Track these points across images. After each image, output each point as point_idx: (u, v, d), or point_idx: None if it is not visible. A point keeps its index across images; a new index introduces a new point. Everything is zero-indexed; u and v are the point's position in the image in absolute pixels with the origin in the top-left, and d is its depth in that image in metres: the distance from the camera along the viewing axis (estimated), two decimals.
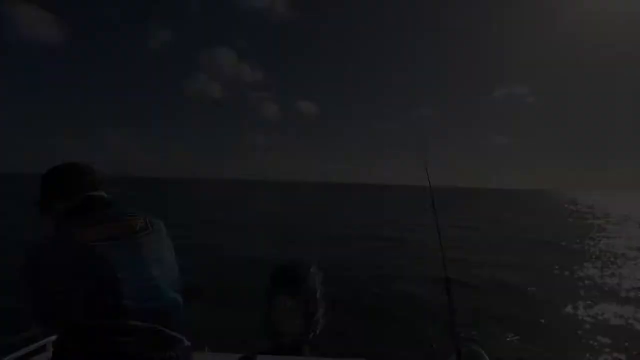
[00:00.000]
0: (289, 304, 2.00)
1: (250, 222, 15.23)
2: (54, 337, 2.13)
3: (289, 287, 2.05)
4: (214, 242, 11.08)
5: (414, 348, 4.45)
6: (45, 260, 0.97)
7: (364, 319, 5.38)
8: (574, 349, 4.76)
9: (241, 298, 6.13)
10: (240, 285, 6.83)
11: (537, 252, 11.28)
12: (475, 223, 18.21)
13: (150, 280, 1.01)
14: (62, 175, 1.17)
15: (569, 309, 6.14)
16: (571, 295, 6.95)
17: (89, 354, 0.90)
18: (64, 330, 0.96)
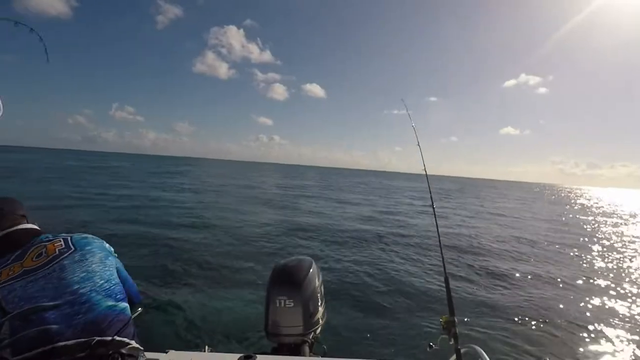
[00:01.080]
0: (289, 304, 2.00)
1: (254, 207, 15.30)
2: None
3: (289, 287, 2.05)
4: (214, 240, 11.09)
5: (413, 348, 4.46)
6: None
7: (363, 319, 5.39)
8: (575, 349, 4.78)
9: (241, 298, 6.14)
10: (240, 285, 6.84)
11: (541, 247, 11.30)
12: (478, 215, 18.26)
13: (79, 297, 1.04)
14: None
15: (572, 308, 6.16)
16: (574, 293, 6.97)
17: None
18: None
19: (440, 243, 2.16)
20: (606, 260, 10.30)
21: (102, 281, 1.12)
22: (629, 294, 7.05)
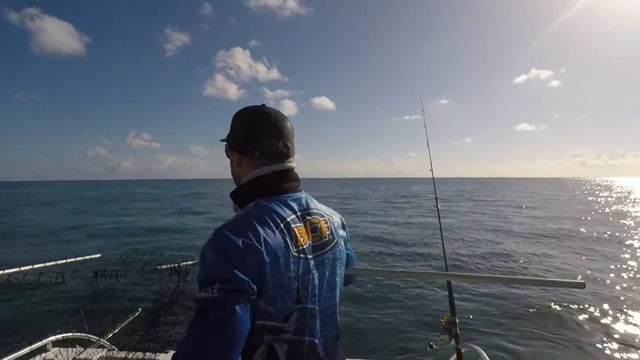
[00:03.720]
0: None
1: None
2: (53, 337, 2.13)
3: None
4: None
5: (414, 348, 4.43)
6: (257, 252, 0.70)
7: (364, 319, 5.36)
8: (575, 350, 4.72)
9: None
10: None
11: (543, 249, 11.18)
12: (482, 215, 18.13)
13: (332, 309, 0.85)
14: (279, 123, 0.88)
15: (572, 308, 6.08)
16: (575, 294, 6.88)
17: None
18: None
19: (443, 243, 2.15)
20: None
21: (340, 291, 0.88)
22: None
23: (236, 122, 0.89)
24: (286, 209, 0.79)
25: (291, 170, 0.88)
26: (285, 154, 0.87)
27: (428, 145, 2.68)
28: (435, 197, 2.43)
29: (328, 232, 0.86)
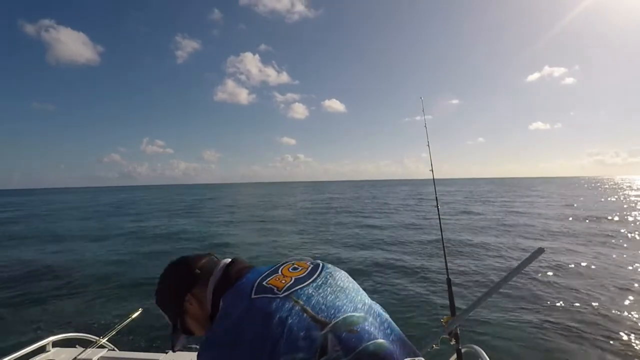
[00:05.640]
0: None
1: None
2: (53, 337, 2.13)
3: None
4: (218, 242, 11.14)
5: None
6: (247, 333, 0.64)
7: None
8: (576, 350, 4.71)
9: None
10: None
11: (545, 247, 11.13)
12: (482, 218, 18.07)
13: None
14: (186, 260, 0.92)
15: (573, 309, 6.07)
16: (573, 295, 6.87)
17: None
18: None
19: (443, 244, 2.15)
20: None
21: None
22: None
23: (163, 291, 0.86)
24: (252, 275, 0.77)
25: (238, 259, 0.87)
26: (215, 262, 0.87)
27: (428, 145, 2.72)
28: (436, 197, 2.45)
29: (309, 262, 0.84)
